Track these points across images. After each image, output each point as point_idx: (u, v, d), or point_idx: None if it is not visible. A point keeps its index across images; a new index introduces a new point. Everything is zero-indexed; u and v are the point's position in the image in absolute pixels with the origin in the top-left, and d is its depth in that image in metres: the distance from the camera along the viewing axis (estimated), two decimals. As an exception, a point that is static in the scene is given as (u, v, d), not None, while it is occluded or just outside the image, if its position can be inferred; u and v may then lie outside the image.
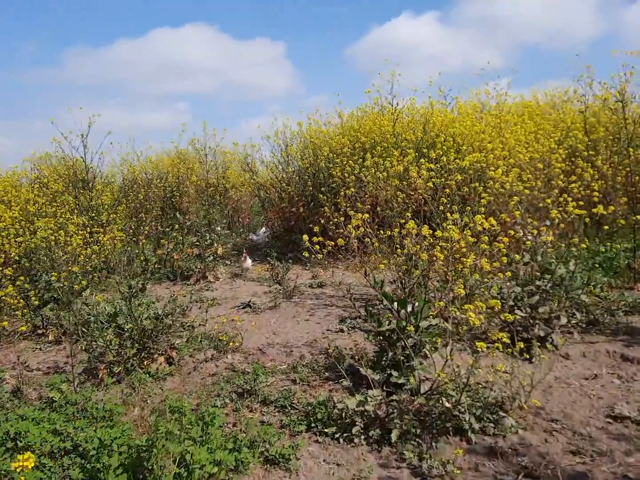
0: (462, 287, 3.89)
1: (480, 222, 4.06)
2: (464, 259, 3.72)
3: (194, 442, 2.64)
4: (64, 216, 7.63)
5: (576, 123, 9.31)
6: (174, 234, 8.63)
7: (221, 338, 5.14)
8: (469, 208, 4.43)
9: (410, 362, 3.71)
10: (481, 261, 3.86)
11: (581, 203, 4.82)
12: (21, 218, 7.20)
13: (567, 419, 3.47)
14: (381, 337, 3.94)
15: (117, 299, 4.85)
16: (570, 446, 3.15)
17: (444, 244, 3.83)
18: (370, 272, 4.29)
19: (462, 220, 4.50)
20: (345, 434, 3.24)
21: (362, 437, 3.20)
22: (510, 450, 3.10)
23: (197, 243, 8.67)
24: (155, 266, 8.83)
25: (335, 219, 7.87)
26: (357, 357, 4.26)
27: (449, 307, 3.48)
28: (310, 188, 9.63)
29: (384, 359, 3.95)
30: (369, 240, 4.50)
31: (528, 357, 3.90)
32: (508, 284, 4.59)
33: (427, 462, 2.89)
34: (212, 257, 8.56)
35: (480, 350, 2.86)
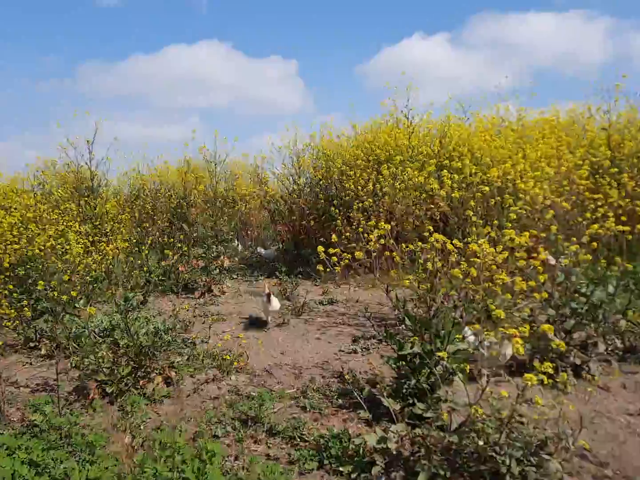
0: (494, 307, 3.50)
1: (511, 237, 3.68)
2: (497, 276, 3.32)
3: (188, 485, 2.25)
4: (65, 224, 7.30)
5: (599, 140, 8.95)
6: (179, 245, 8.27)
7: (225, 357, 4.74)
8: (496, 222, 4.05)
9: (436, 391, 3.30)
10: (515, 279, 3.46)
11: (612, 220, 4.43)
12: (20, 224, 6.89)
13: (617, 462, 3.04)
14: (403, 362, 3.54)
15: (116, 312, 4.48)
16: (623, 496, 2.72)
17: (475, 259, 3.44)
18: (393, 289, 3.90)
19: (488, 235, 4.12)
20: (363, 475, 2.82)
21: (383, 478, 2.78)
22: (554, 499, 2.67)
23: (203, 255, 8.32)
24: (159, 278, 8.48)
25: (348, 234, 7.56)
26: (373, 383, 3.86)
27: (482, 330, 3.08)
28: (322, 201, 9.28)
29: (405, 386, 3.54)
30: (388, 253, 4.12)
31: (563, 388, 3.48)
32: (532, 304, 4.19)
33: (459, 512, 2.47)
34: (218, 270, 8.20)
35: (526, 382, 2.45)
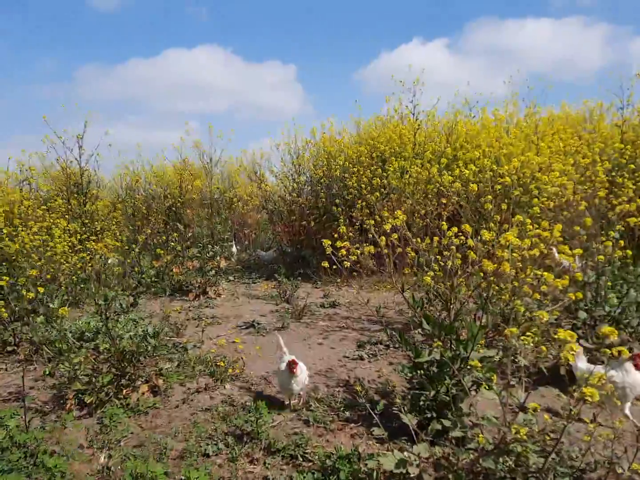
0: (522, 309, 3.08)
1: (543, 228, 3.26)
2: (530, 271, 2.90)
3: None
4: (52, 221, 6.87)
5: (613, 137, 8.59)
6: (172, 244, 7.84)
7: (219, 363, 4.31)
8: (519, 217, 3.63)
9: (459, 404, 2.88)
10: (546, 277, 3.04)
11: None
12: (3, 221, 6.47)
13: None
14: (420, 371, 3.11)
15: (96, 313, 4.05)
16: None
17: (500, 252, 3.01)
18: (408, 289, 3.48)
19: (512, 227, 3.70)
20: (378, 505, 2.39)
21: (403, 510, 2.36)
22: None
23: (198, 255, 7.89)
24: (152, 280, 8.03)
25: (351, 234, 7.13)
26: (384, 394, 3.43)
27: (514, 334, 2.65)
28: (323, 200, 8.86)
29: (423, 398, 3.11)
30: (400, 250, 3.70)
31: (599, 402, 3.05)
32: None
33: None
34: (214, 272, 7.76)
35: (583, 396, 2.02)
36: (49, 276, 5.13)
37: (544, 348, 2.60)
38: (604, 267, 3.81)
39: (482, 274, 3.29)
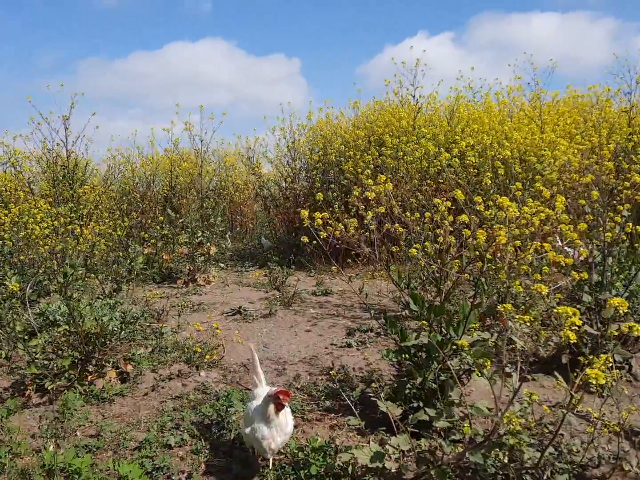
0: (521, 288, 2.80)
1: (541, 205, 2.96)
2: (535, 245, 2.60)
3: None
4: (34, 203, 6.59)
5: (620, 122, 8.25)
6: (158, 227, 7.56)
7: (196, 349, 4.03)
8: (519, 193, 3.33)
9: (449, 392, 2.59)
10: (549, 254, 2.75)
11: None
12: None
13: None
14: (406, 356, 2.82)
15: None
16: None
17: (499, 227, 2.71)
18: (396, 269, 3.19)
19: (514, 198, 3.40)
20: (351, 503, 2.11)
21: (379, 510, 2.07)
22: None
23: (187, 240, 7.60)
24: (141, 266, 7.76)
25: (345, 219, 6.84)
26: (369, 382, 3.15)
27: (512, 314, 2.36)
28: (319, 185, 8.55)
29: (409, 386, 2.82)
30: (388, 226, 3.40)
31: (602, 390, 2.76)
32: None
33: None
34: (203, 258, 7.47)
35: (587, 380, 1.72)
36: (22, 257, 4.84)
37: (543, 333, 2.31)
38: (611, 247, 3.51)
39: (476, 252, 3.00)
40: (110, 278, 6.30)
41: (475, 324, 2.91)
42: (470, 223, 3.02)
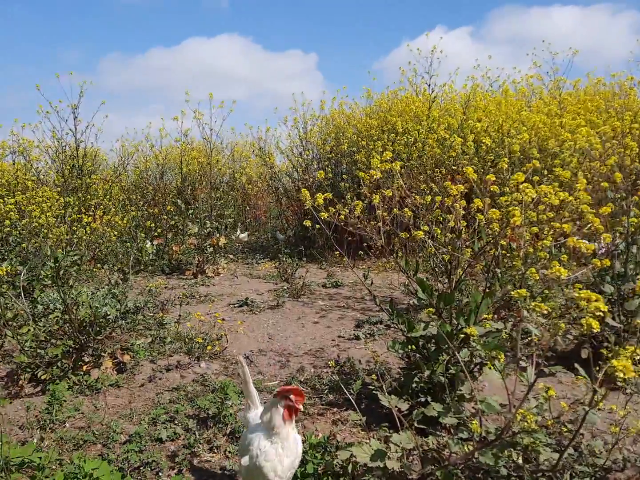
0: (537, 277, 2.59)
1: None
2: (554, 226, 2.39)
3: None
4: (42, 193, 6.51)
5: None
6: (165, 217, 7.44)
7: (197, 340, 3.89)
8: (537, 178, 3.12)
9: (459, 386, 2.40)
10: (569, 240, 2.54)
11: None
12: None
13: None
14: (413, 347, 2.63)
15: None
16: None
17: (514, 210, 2.51)
18: (403, 256, 3.01)
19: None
20: (349, 505, 1.94)
21: (379, 513, 1.89)
22: None
23: (197, 232, 7.47)
24: (150, 257, 7.67)
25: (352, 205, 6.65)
26: (375, 376, 2.97)
27: (525, 303, 2.16)
28: (331, 175, 8.36)
29: (416, 379, 2.64)
30: (397, 211, 3.22)
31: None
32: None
33: None
34: (212, 249, 7.34)
35: (614, 372, 1.52)
36: (24, 245, 4.75)
37: (562, 325, 2.10)
38: (635, 235, 3.28)
39: (489, 239, 2.80)
40: (116, 268, 6.21)
41: (488, 314, 2.72)
42: (484, 206, 2.83)
